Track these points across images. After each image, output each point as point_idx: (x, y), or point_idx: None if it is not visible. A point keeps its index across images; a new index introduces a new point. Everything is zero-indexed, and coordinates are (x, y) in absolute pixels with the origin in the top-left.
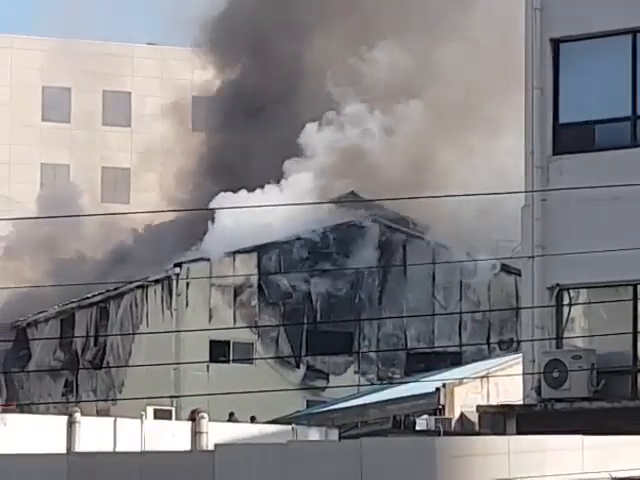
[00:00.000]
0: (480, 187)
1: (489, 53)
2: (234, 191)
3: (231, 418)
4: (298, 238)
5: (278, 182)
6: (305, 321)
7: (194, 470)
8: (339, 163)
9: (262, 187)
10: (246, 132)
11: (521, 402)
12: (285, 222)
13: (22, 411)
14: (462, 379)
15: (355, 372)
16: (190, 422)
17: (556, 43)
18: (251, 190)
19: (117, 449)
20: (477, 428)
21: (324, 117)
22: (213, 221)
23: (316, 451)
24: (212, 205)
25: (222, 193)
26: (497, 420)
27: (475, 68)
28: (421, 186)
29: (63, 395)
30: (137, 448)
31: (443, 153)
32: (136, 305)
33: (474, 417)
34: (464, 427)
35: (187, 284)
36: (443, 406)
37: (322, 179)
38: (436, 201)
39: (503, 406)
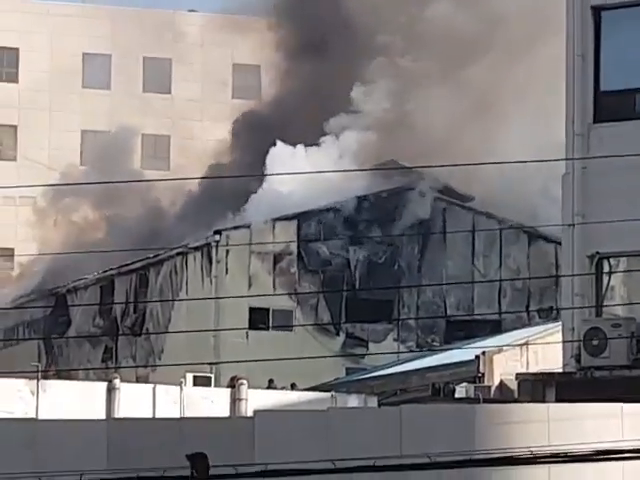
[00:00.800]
0: (522, 155)
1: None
2: (281, 144)
3: (270, 385)
4: (338, 207)
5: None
6: (344, 288)
7: (233, 437)
8: (383, 127)
9: (308, 144)
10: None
11: (560, 370)
12: (324, 188)
13: (61, 378)
14: (501, 347)
15: (394, 340)
16: (229, 389)
17: (597, 10)
18: (297, 144)
19: (156, 416)
20: (516, 396)
21: (373, 76)
22: (254, 190)
23: (356, 418)
24: (266, 162)
25: (272, 149)
26: (536, 388)
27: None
28: (463, 154)
29: (103, 362)
30: (176, 415)
31: (487, 120)
32: (176, 272)
33: (513, 385)
34: (503, 395)
35: (227, 251)
36: (482, 374)
37: (366, 143)
38: (478, 169)
39: (542, 374)
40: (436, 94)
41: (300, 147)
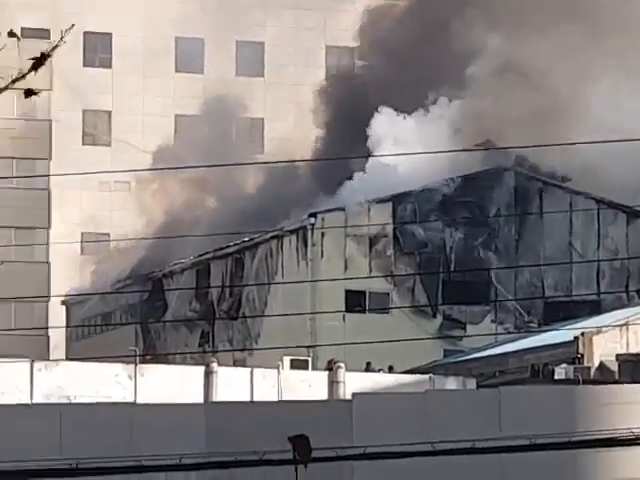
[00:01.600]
0: (623, 133)
1: None
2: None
3: (368, 367)
4: (433, 188)
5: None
6: (441, 270)
7: (332, 419)
8: (484, 104)
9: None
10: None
11: None
12: (421, 167)
13: (159, 362)
14: (601, 328)
15: (492, 321)
16: (327, 372)
17: None
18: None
19: (254, 399)
20: (617, 377)
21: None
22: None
23: (455, 400)
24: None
25: (376, 115)
26: (637, 368)
27: None
28: (558, 134)
29: (199, 346)
30: (274, 398)
31: (586, 98)
32: (271, 255)
33: (614, 366)
34: (603, 376)
35: (322, 234)
36: (582, 355)
37: (466, 120)
38: (574, 148)
39: None
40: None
41: (402, 117)
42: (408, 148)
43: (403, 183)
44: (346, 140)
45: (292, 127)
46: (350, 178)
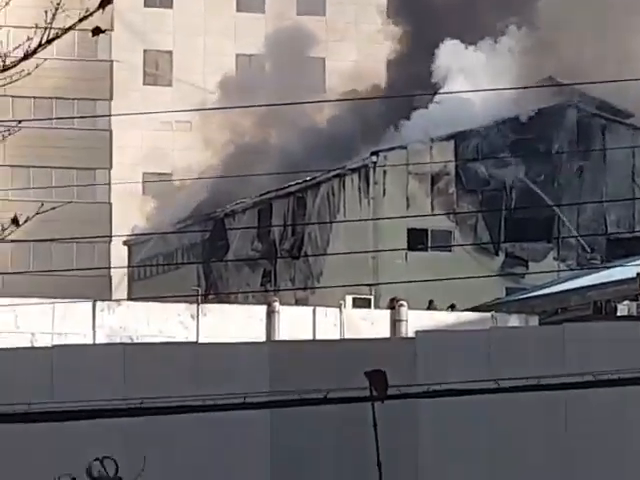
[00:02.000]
0: None
1: None
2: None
3: (430, 306)
4: (495, 126)
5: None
6: (503, 208)
7: (395, 358)
8: (543, 41)
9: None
10: None
11: None
12: (486, 103)
13: (221, 301)
14: None
15: (555, 258)
16: (389, 310)
17: None
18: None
19: (316, 338)
20: None
21: None
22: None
23: (519, 337)
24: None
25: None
26: None
27: None
28: (623, 70)
29: (261, 285)
30: (336, 337)
31: None
32: (333, 194)
33: None
34: None
35: (384, 172)
36: None
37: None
38: (636, 83)
39: None
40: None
41: (468, 48)
42: (474, 81)
43: (468, 119)
44: (411, 75)
45: (354, 65)
46: (410, 115)
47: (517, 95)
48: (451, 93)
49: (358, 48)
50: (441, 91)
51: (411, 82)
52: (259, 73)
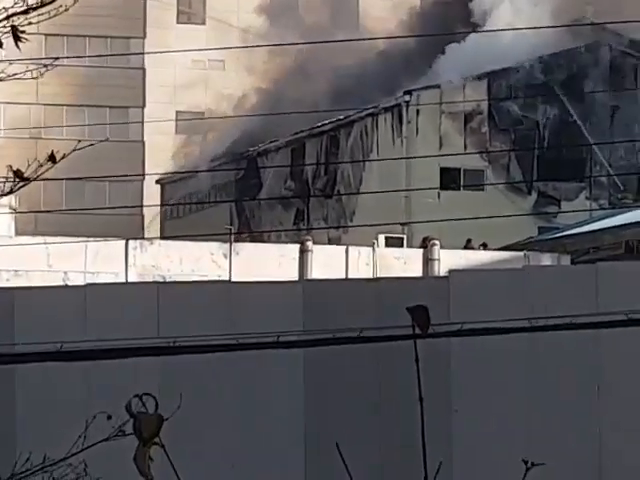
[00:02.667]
0: None
1: None
2: None
3: (467, 245)
4: (527, 65)
5: None
6: (536, 147)
7: (429, 296)
8: None
9: None
10: None
11: None
12: (517, 42)
13: (254, 240)
14: None
15: (587, 198)
16: (422, 249)
17: None
18: None
19: (349, 277)
20: None
21: None
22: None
23: (552, 276)
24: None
25: None
26: None
27: None
28: None
29: (294, 224)
30: (369, 276)
31: None
32: (366, 133)
33: None
34: None
35: (417, 111)
36: None
37: None
38: None
39: None
40: None
41: None
42: (513, 16)
43: (502, 55)
44: (446, 12)
45: (384, 9)
46: (445, 50)
47: (552, 33)
48: (479, 32)
49: None
50: (479, 27)
51: (449, 14)
52: (293, 13)
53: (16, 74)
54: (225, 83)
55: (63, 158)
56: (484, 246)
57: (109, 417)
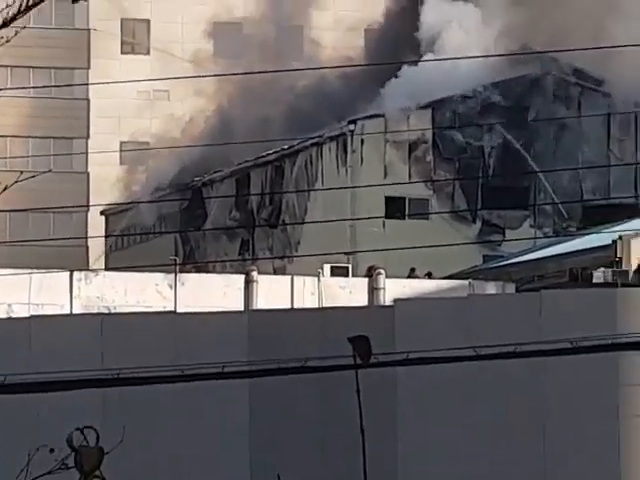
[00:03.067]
0: None
1: None
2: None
3: (411, 274)
4: (472, 94)
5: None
6: (480, 175)
7: (373, 326)
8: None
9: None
10: None
11: None
12: (464, 70)
13: (199, 271)
14: (639, 231)
15: (531, 226)
16: (367, 278)
17: None
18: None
19: (294, 307)
20: None
21: None
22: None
23: (496, 304)
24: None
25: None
26: None
27: None
28: (598, 37)
29: (239, 254)
30: (314, 306)
31: (619, 3)
32: (311, 163)
33: None
34: None
35: (362, 140)
36: (620, 258)
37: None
38: (612, 52)
39: None
40: None
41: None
42: (458, 44)
43: (446, 85)
44: (392, 42)
45: (333, 33)
46: (389, 82)
47: (496, 62)
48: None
49: (338, 16)
50: (428, 53)
51: (396, 44)
52: (237, 41)
53: None
54: (170, 113)
55: (5, 190)
56: (429, 275)
57: (51, 450)
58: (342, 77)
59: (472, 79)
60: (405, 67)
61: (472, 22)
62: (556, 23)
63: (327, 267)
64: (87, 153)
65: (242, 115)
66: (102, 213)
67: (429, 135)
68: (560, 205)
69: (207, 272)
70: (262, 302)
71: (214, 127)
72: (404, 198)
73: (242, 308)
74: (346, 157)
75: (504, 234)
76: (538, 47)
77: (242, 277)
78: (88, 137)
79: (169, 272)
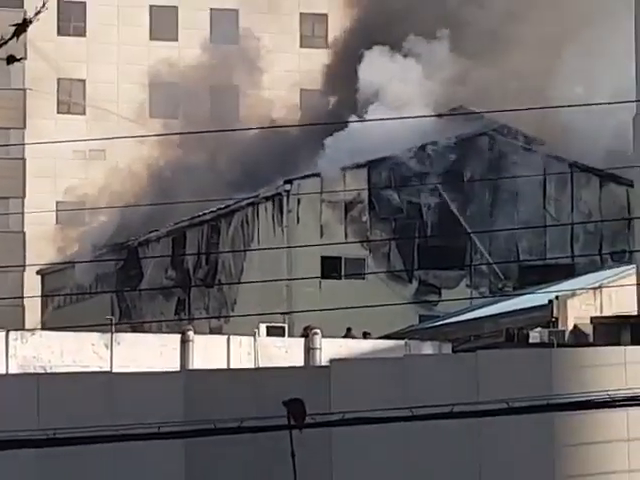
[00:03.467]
0: (591, 99)
1: None
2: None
3: (348, 334)
4: (408, 154)
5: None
6: (416, 235)
7: (310, 386)
8: (452, 75)
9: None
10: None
11: (635, 313)
12: (402, 130)
13: (135, 331)
14: (575, 291)
15: (467, 286)
16: (303, 339)
17: None
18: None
19: (231, 367)
20: (591, 340)
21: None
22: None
23: (432, 364)
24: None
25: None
26: (611, 331)
27: None
28: (532, 98)
29: (176, 314)
30: (250, 366)
31: (555, 66)
32: (247, 223)
33: (588, 329)
34: (577, 339)
35: (298, 200)
36: (556, 318)
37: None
38: (548, 112)
39: (617, 317)
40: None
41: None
42: (395, 106)
43: (384, 144)
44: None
45: (267, 92)
46: (325, 142)
47: (433, 122)
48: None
49: (272, 79)
50: (356, 118)
51: (336, 103)
52: (172, 101)
53: None
54: (106, 173)
55: None
56: (366, 335)
57: None
58: (280, 136)
59: (409, 139)
60: (344, 126)
61: (413, 78)
62: (493, 83)
63: (263, 327)
64: (23, 213)
65: (179, 174)
66: (38, 272)
67: (365, 195)
68: (496, 265)
69: (143, 332)
70: (198, 362)
71: (151, 186)
72: (340, 258)
73: (178, 368)
74: (282, 217)
75: (440, 294)
76: (475, 107)
77: (178, 337)
78: (24, 196)
79: (105, 332)
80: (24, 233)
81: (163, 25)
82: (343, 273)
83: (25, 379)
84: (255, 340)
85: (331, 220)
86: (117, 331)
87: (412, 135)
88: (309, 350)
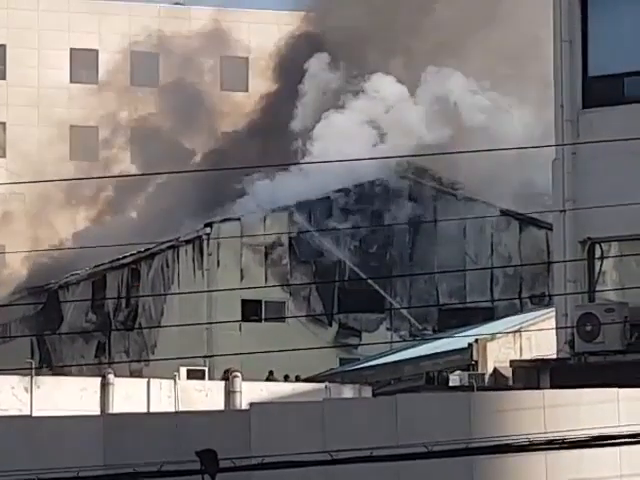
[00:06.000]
0: (509, 142)
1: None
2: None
3: (270, 377)
4: (328, 197)
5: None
6: (336, 279)
7: (229, 430)
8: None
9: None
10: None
11: (554, 356)
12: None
13: (55, 374)
14: (495, 334)
15: (387, 329)
16: (223, 382)
17: None
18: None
19: (151, 410)
20: (511, 383)
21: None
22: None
23: (351, 408)
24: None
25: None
26: (531, 375)
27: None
28: (450, 143)
29: (96, 357)
30: (171, 409)
31: (471, 109)
32: (167, 266)
33: (507, 372)
34: (497, 382)
35: (218, 244)
36: (476, 362)
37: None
38: (466, 157)
39: (536, 360)
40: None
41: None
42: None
43: (305, 188)
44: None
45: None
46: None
47: (352, 165)
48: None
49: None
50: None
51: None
52: (93, 143)
53: None
54: (25, 216)
55: None
56: (286, 378)
57: None
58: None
59: (330, 182)
60: (267, 169)
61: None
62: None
63: (183, 370)
64: None
65: (97, 221)
66: None
67: (285, 238)
68: (416, 308)
69: (63, 375)
70: (118, 405)
71: (71, 230)
72: (261, 301)
73: (98, 411)
74: (202, 260)
75: (360, 337)
76: (392, 153)
77: (98, 380)
78: None
79: (25, 375)
80: None
81: (83, 68)
82: (264, 316)
83: None
84: (175, 383)
85: (251, 263)
86: (37, 374)
87: (335, 178)
88: (229, 393)
